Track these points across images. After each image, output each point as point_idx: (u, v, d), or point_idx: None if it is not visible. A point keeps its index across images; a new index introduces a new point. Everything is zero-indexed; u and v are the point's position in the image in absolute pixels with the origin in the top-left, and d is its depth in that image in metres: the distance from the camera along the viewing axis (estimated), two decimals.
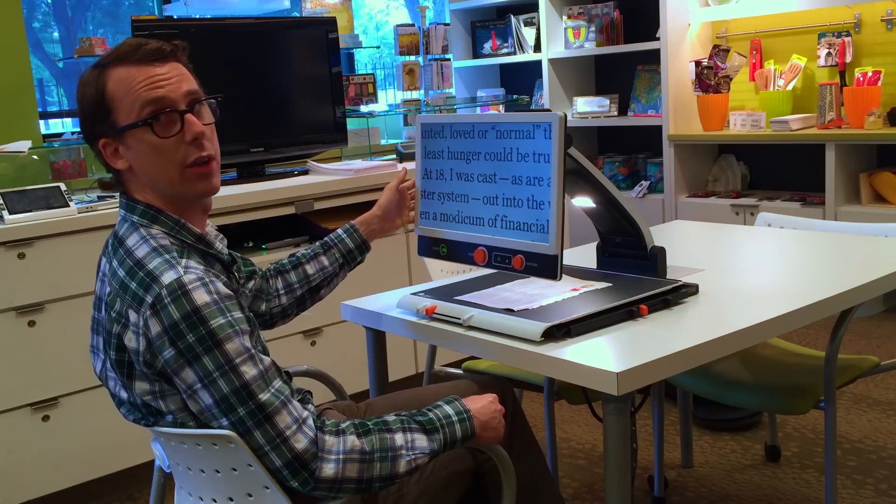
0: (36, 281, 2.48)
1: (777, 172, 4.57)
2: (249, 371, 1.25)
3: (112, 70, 1.34)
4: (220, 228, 2.87)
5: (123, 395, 1.35)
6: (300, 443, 1.25)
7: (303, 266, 1.76)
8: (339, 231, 1.80)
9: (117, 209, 2.68)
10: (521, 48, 5.28)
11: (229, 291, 1.30)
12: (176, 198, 1.38)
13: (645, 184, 4.83)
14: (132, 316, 1.27)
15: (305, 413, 1.29)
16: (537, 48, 5.16)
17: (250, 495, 1.31)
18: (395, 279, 3.20)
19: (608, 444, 1.40)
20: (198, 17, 4.10)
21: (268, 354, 1.34)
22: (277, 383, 1.28)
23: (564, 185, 1.49)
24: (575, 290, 1.70)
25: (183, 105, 1.35)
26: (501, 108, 5.00)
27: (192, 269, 1.28)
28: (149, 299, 1.25)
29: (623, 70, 5.05)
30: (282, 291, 1.75)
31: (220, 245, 1.45)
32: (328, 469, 1.26)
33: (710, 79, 4.46)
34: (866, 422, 2.87)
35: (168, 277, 1.26)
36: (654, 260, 1.78)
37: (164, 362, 1.25)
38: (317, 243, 1.80)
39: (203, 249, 1.40)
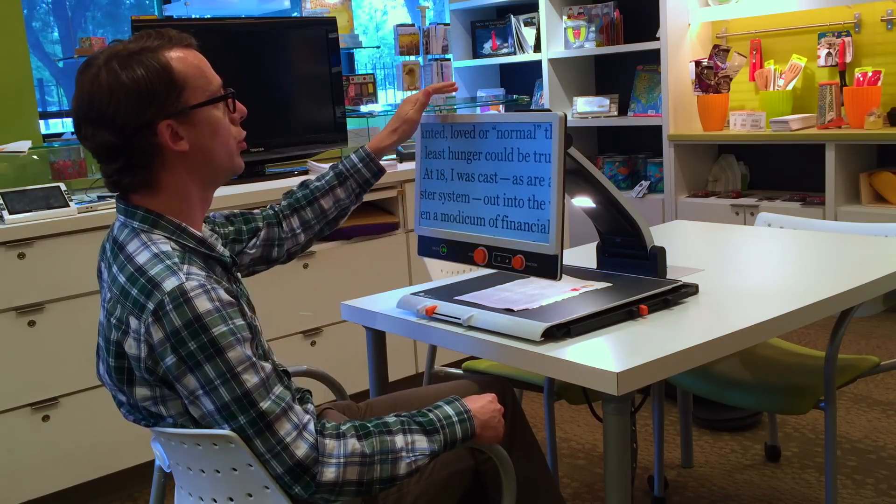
0: (36, 281, 2.48)
1: (777, 172, 4.57)
2: (251, 379, 1.25)
3: (169, 51, 1.33)
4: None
5: (122, 398, 1.35)
6: (301, 449, 1.25)
7: (318, 202, 1.75)
8: (353, 158, 1.77)
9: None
10: (521, 48, 5.28)
11: (231, 298, 1.29)
12: (220, 175, 1.43)
13: (645, 184, 4.83)
14: (133, 322, 1.26)
15: (306, 418, 1.29)
16: (537, 48, 5.16)
17: (250, 495, 1.31)
18: (395, 279, 3.20)
19: (608, 444, 1.40)
20: (198, 16, 4.10)
21: (268, 359, 1.34)
22: (278, 390, 1.28)
23: (564, 185, 1.49)
24: (575, 290, 1.70)
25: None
26: (501, 108, 5.00)
27: (194, 276, 1.27)
28: (150, 306, 1.25)
29: (623, 70, 5.05)
30: (298, 230, 1.75)
31: (221, 247, 1.45)
32: (329, 473, 1.26)
33: (710, 79, 4.46)
34: (866, 422, 2.87)
35: (170, 284, 1.25)
36: (654, 260, 1.78)
37: (165, 369, 1.25)
38: (330, 173, 1.77)
39: (205, 252, 1.39)
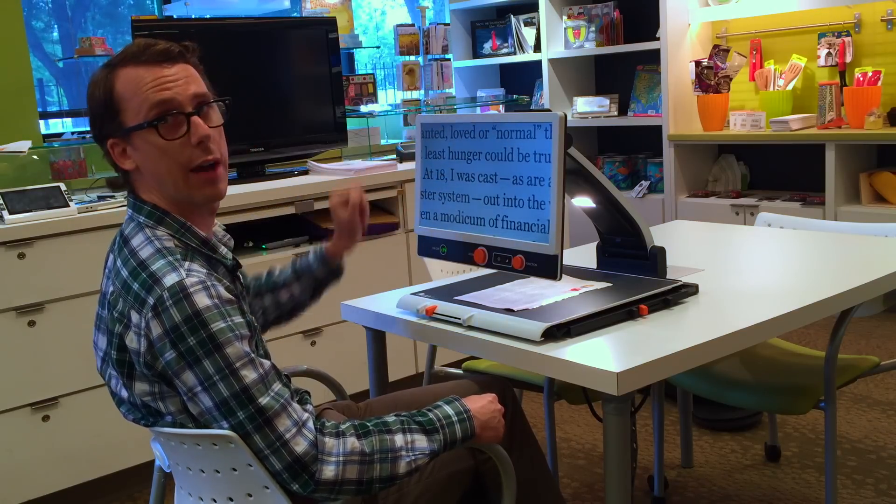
0: (36, 281, 2.48)
1: (777, 172, 4.57)
2: (249, 375, 1.26)
3: (121, 70, 1.34)
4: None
5: (124, 394, 1.35)
6: (300, 446, 1.26)
7: (277, 293, 1.77)
8: (310, 257, 1.77)
9: (117, 209, 2.68)
10: (521, 48, 5.28)
11: (230, 296, 1.30)
12: (181, 201, 1.38)
13: (645, 184, 4.83)
14: (134, 317, 1.27)
15: (305, 415, 1.29)
16: (537, 48, 5.16)
17: (250, 495, 1.31)
18: (395, 279, 3.20)
19: (608, 444, 1.40)
20: (197, 16, 4.10)
21: (268, 358, 1.34)
22: (277, 386, 1.28)
23: (564, 185, 1.49)
24: (575, 290, 1.70)
25: (190, 107, 1.35)
26: (501, 108, 5.00)
27: (195, 273, 1.28)
28: (150, 301, 1.25)
29: (623, 70, 5.05)
30: (259, 312, 1.77)
31: (225, 249, 1.45)
32: (328, 471, 1.27)
33: (710, 79, 4.46)
34: (866, 422, 2.87)
35: (170, 280, 1.26)
36: (654, 260, 1.78)
37: (164, 364, 1.26)
38: (290, 268, 1.78)
39: (207, 253, 1.40)
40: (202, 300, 1.25)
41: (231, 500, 1.34)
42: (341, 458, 1.27)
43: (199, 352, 1.24)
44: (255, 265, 2.88)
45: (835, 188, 3.99)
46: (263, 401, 1.25)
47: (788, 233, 2.33)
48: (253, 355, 1.28)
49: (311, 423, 1.28)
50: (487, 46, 5.49)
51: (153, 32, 2.87)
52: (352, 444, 1.29)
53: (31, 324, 2.50)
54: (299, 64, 3.31)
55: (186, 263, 1.30)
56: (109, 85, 1.34)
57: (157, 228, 1.36)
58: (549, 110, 1.55)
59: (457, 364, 2.59)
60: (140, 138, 1.34)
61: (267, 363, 1.30)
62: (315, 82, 3.32)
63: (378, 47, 4.98)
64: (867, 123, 3.89)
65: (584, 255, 2.07)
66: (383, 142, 4.33)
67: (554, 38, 5.06)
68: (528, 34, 5.23)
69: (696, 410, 2.88)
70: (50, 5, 4.56)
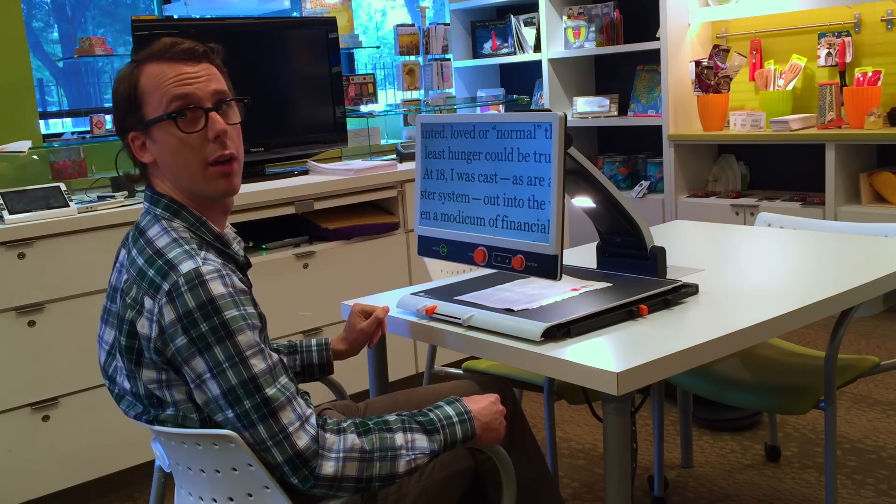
0: (36, 281, 2.48)
1: (777, 172, 4.57)
2: (258, 364, 1.27)
3: (146, 66, 1.38)
4: None
5: (127, 385, 1.36)
6: (302, 440, 1.27)
7: None
8: (313, 340, 1.79)
9: (117, 209, 2.68)
10: (521, 48, 5.28)
11: (244, 287, 1.32)
12: (197, 195, 1.41)
13: (645, 184, 4.83)
14: (147, 302, 1.29)
15: (309, 411, 1.30)
16: (537, 48, 5.16)
17: (250, 495, 1.31)
18: (395, 279, 3.20)
19: (608, 444, 1.40)
20: (198, 16, 4.10)
21: (277, 353, 1.35)
22: (284, 380, 1.30)
23: (564, 185, 1.49)
24: (575, 290, 1.70)
25: (209, 103, 1.39)
26: (501, 108, 5.00)
27: (211, 261, 1.30)
28: (165, 287, 1.27)
29: (623, 70, 5.05)
30: None
31: (237, 246, 1.47)
32: (328, 467, 1.27)
33: (710, 79, 4.46)
34: (866, 422, 2.87)
35: (186, 266, 1.28)
36: (654, 260, 1.78)
37: (175, 350, 1.27)
38: (286, 341, 1.79)
39: (220, 248, 1.42)
40: (217, 287, 1.27)
41: (231, 500, 1.34)
42: (341, 455, 1.28)
43: (210, 338, 1.25)
44: (256, 265, 2.88)
45: (835, 188, 3.99)
46: (270, 391, 1.27)
47: (788, 233, 2.33)
48: (263, 346, 1.29)
49: (313, 419, 1.30)
50: (487, 46, 5.49)
51: (153, 32, 2.87)
52: (352, 441, 1.30)
53: (31, 324, 2.50)
54: (299, 64, 3.31)
55: (203, 252, 1.32)
56: (134, 80, 1.38)
57: (173, 221, 1.38)
58: (549, 110, 1.55)
59: (457, 364, 2.59)
60: (160, 130, 1.37)
61: (275, 356, 1.31)
62: (315, 82, 3.32)
63: (378, 47, 4.98)
64: (867, 123, 3.89)
65: (584, 255, 2.07)
66: (383, 142, 4.33)
67: (554, 38, 5.06)
68: (528, 34, 5.23)
69: (696, 410, 2.88)
70: (50, 5, 4.56)
